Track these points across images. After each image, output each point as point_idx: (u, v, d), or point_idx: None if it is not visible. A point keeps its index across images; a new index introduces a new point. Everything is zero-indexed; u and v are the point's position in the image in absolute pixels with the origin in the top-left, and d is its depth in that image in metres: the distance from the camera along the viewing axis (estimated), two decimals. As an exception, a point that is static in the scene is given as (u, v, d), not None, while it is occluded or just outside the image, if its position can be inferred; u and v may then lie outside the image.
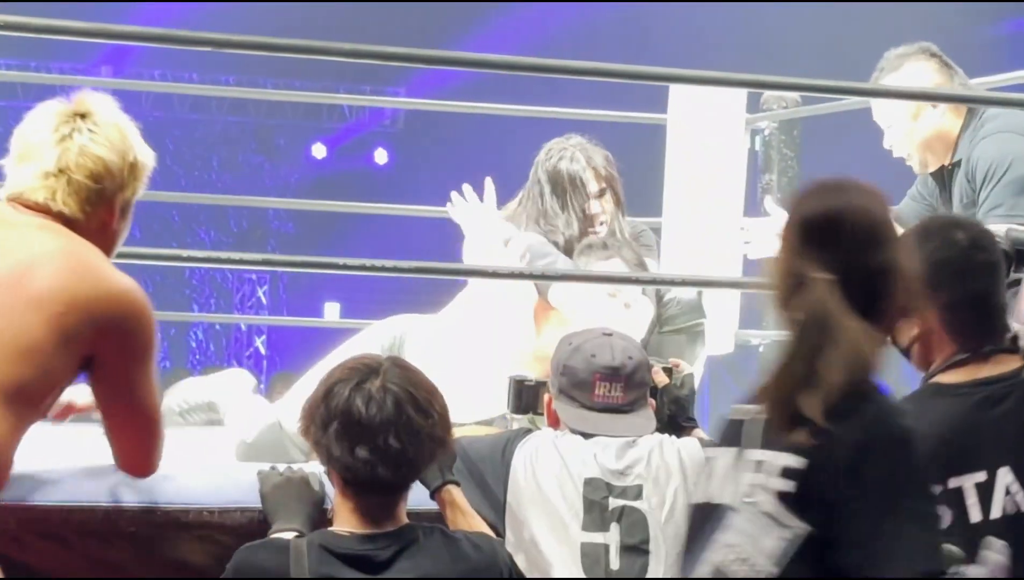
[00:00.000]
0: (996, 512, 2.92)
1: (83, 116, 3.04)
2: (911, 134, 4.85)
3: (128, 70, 11.32)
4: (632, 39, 10.90)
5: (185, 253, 3.60)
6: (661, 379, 3.55)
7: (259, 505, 3.22)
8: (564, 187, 4.79)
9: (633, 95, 6.06)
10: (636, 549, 3.18)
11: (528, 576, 3.20)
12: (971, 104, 4.87)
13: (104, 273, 2.98)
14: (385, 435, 2.83)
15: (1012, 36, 12.06)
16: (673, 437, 3.39)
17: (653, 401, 3.46)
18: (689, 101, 5.94)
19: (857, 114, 5.90)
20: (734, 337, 5.69)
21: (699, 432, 3.54)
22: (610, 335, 3.42)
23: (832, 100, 6.14)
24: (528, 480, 3.28)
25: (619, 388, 3.35)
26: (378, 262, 4.40)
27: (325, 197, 9.18)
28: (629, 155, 5.78)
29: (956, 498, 2.90)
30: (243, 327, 12.25)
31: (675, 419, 3.54)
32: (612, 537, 3.21)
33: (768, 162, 6.39)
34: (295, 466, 3.33)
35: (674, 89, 5.91)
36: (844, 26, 11.33)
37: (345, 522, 2.89)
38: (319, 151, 13.46)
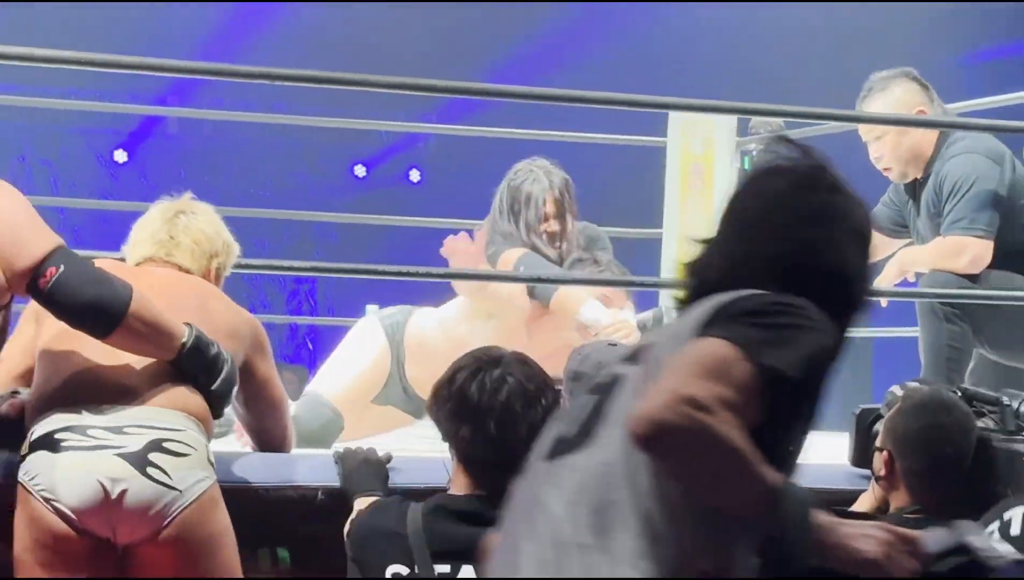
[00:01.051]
0: None
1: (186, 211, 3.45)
2: (897, 148, 4.97)
3: (193, 100, 11.43)
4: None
5: (244, 261, 3.79)
6: None
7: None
8: (521, 205, 4.90)
9: (639, 119, 6.19)
10: None
11: None
12: (938, 127, 4.98)
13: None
14: (489, 420, 2.96)
15: (973, 66, 12.03)
16: None
17: None
18: (685, 126, 6.09)
19: (833, 137, 6.05)
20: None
21: None
22: (615, 346, 3.48)
23: (811, 125, 6.29)
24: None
25: None
26: (412, 268, 4.55)
27: (365, 211, 9.23)
28: (634, 173, 5.96)
29: None
30: (295, 326, 12.35)
31: None
32: None
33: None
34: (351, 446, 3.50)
35: (672, 115, 6.05)
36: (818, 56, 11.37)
37: (459, 487, 3.01)
38: (360, 171, 13.50)
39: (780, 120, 6.26)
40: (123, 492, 2.86)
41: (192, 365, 3.11)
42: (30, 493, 2.88)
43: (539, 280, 4.73)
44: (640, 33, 10.81)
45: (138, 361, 3.05)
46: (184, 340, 3.08)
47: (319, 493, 3.36)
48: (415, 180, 13.40)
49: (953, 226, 4.83)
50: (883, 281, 4.92)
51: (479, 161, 6.27)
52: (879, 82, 5.09)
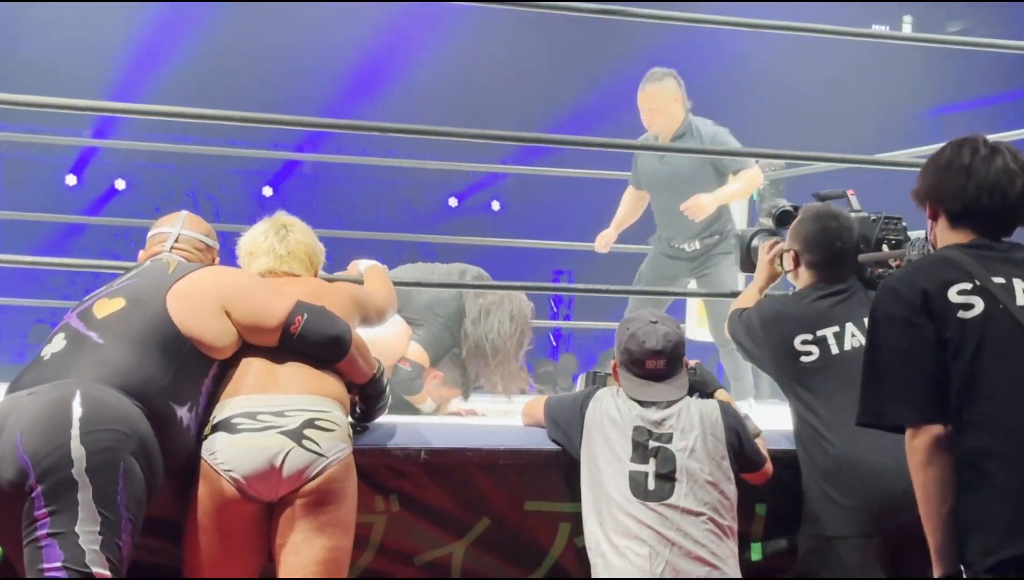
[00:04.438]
0: (847, 347, 3.41)
1: (289, 227, 3.46)
2: (668, 119, 5.41)
3: (324, 148, 11.42)
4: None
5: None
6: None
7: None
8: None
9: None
10: (666, 477, 3.21)
11: (587, 485, 3.28)
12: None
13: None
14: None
15: (938, 117, 11.94)
16: (697, 399, 3.41)
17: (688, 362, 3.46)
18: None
19: (821, 175, 6.03)
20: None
21: (720, 393, 3.59)
22: (655, 322, 3.38)
23: (804, 165, 6.27)
24: (596, 424, 3.32)
25: (662, 363, 3.34)
26: (494, 282, 4.67)
27: (457, 234, 9.30)
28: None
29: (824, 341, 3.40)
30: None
31: (699, 391, 3.54)
32: (650, 467, 3.24)
33: (762, 208, 6.49)
34: None
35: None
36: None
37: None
38: (453, 202, 13.58)
39: (781, 162, 6.27)
40: (284, 460, 2.91)
41: (371, 389, 3.28)
42: (211, 467, 2.93)
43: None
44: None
45: (294, 363, 3.10)
46: (376, 370, 3.26)
47: (422, 453, 3.38)
48: (496, 209, 13.44)
49: (736, 164, 5.38)
50: (702, 211, 5.29)
51: (547, 194, 6.25)
52: (656, 75, 5.42)
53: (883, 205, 3.80)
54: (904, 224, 3.71)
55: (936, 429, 2.39)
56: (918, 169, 2.69)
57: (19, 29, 11.16)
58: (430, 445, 3.40)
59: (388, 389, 3.35)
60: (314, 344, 3.09)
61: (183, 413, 2.93)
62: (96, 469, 2.69)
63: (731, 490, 3.28)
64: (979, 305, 2.42)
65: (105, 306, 3.00)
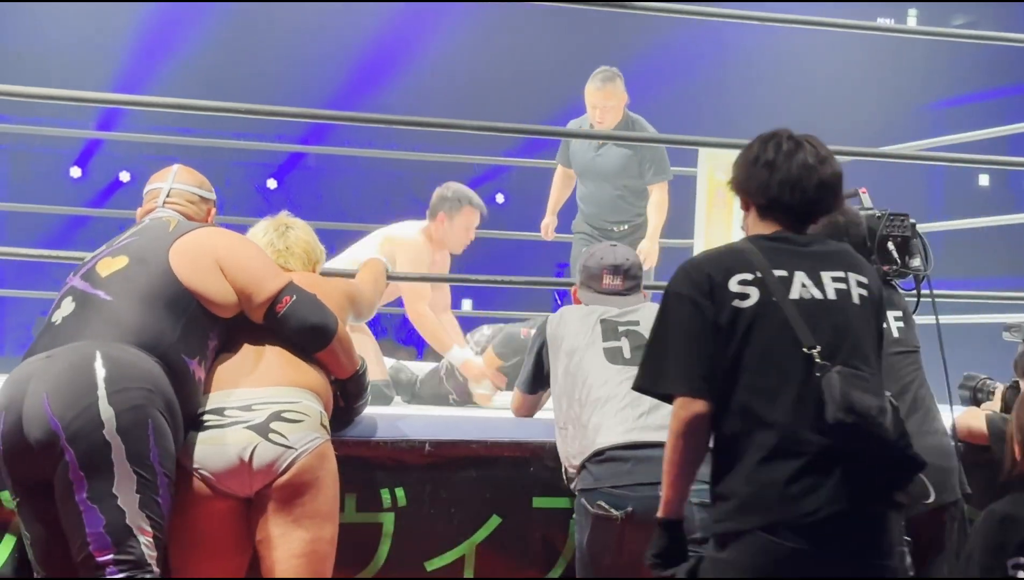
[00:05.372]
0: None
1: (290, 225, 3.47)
2: (616, 116, 5.64)
3: (327, 140, 11.44)
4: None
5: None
6: None
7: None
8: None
9: (676, 154, 6.19)
10: (639, 348, 3.13)
11: (575, 377, 3.32)
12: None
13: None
14: None
15: (940, 110, 11.92)
16: (653, 303, 3.47)
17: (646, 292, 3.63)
18: (711, 158, 6.06)
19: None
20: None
21: None
22: (615, 246, 3.61)
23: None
24: (559, 324, 3.44)
25: (619, 280, 3.50)
26: (497, 277, 4.69)
27: None
28: (673, 195, 5.96)
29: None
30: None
31: None
32: (624, 342, 3.34)
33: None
34: None
35: (701, 149, 6.03)
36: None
37: None
38: (455, 196, 13.62)
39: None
40: (252, 455, 2.88)
41: (353, 386, 3.23)
42: (183, 465, 2.91)
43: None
44: (676, 81, 10.84)
45: (275, 353, 3.08)
46: (359, 367, 3.21)
47: (426, 445, 3.38)
48: (500, 202, 13.37)
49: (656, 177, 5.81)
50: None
51: (549, 187, 6.28)
52: (609, 75, 5.66)
53: (887, 198, 3.76)
54: (912, 220, 3.62)
55: (699, 404, 2.53)
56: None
57: (23, 21, 11.16)
58: (435, 437, 3.40)
59: (368, 389, 3.32)
60: (296, 329, 3.05)
61: (194, 366, 2.93)
62: (127, 428, 2.71)
63: None
64: (754, 296, 2.56)
65: (108, 265, 3.00)
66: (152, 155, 12.33)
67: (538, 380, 3.60)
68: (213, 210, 3.37)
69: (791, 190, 2.63)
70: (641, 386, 2.65)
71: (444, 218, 5.28)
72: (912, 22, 9.81)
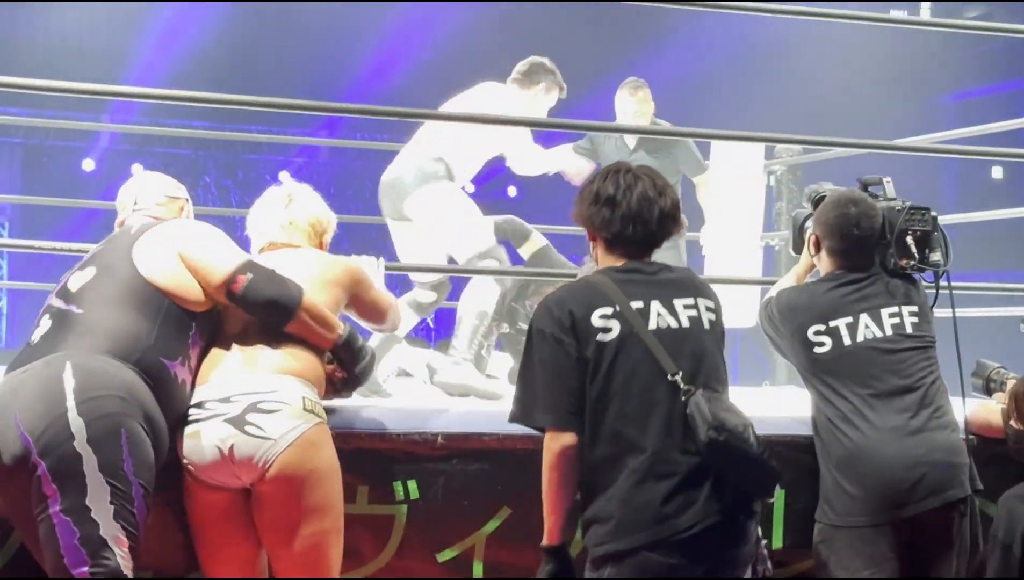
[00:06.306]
0: (860, 339, 3.36)
1: (295, 195, 3.41)
2: (639, 116, 5.83)
3: (339, 132, 11.42)
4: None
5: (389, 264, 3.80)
6: None
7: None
8: None
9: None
10: None
11: None
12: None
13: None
14: None
15: (957, 103, 11.87)
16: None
17: None
18: (725, 151, 6.05)
19: (840, 161, 6.01)
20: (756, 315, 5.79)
21: None
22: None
23: (821, 151, 6.25)
24: None
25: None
26: (509, 267, 4.67)
27: None
28: (685, 186, 5.96)
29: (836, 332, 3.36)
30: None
31: None
32: None
33: (779, 194, 6.49)
34: None
35: (714, 143, 6.02)
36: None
37: None
38: (469, 188, 13.52)
39: (798, 147, 6.25)
40: (231, 448, 2.86)
41: (344, 353, 3.16)
42: (177, 461, 2.91)
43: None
44: (681, 74, 10.80)
45: (260, 340, 3.05)
46: (340, 333, 3.13)
47: (439, 438, 3.37)
48: (512, 195, 13.41)
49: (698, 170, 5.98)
50: None
51: (563, 180, 6.29)
52: (639, 83, 5.91)
53: (901, 190, 3.72)
54: (933, 213, 3.56)
55: (569, 437, 2.70)
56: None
57: (36, 13, 11.16)
58: (448, 430, 3.38)
59: (366, 351, 3.22)
60: (256, 306, 3.01)
61: (176, 367, 2.90)
62: (98, 439, 2.66)
63: None
64: (616, 329, 2.74)
65: (78, 279, 3.00)
66: (165, 148, 12.37)
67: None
68: (186, 206, 3.35)
69: (634, 224, 2.81)
70: (515, 419, 2.80)
71: (544, 89, 5.11)
72: (925, 16, 9.77)
